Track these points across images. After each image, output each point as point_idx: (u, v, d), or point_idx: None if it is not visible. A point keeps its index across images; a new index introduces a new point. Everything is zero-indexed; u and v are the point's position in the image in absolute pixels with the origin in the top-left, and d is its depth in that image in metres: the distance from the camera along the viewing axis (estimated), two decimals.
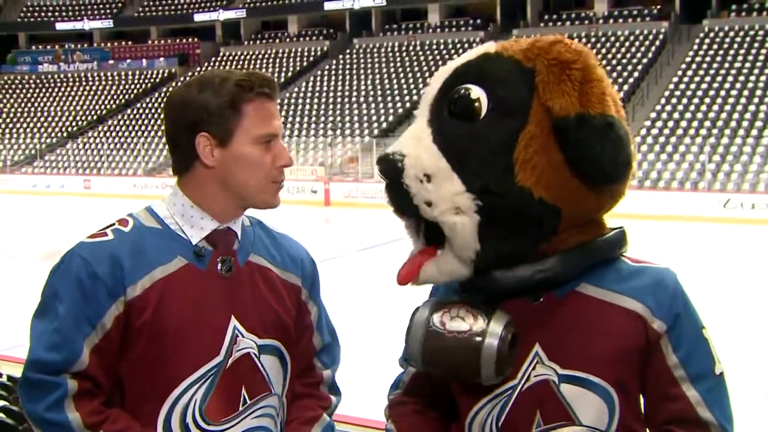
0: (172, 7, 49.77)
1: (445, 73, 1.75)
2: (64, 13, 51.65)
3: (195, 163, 1.88)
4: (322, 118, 37.09)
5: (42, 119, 44.59)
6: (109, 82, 46.74)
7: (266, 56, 44.52)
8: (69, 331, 1.77)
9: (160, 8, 50.17)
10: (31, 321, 1.83)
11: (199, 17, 47.80)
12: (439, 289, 1.86)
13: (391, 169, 1.69)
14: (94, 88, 46.66)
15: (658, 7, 37.30)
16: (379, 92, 37.77)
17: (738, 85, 30.19)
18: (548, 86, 1.64)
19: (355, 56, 41.57)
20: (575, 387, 1.68)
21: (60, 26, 50.88)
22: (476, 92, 1.67)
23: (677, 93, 30.36)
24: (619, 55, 34.51)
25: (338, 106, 37.76)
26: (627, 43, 35.32)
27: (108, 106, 44.32)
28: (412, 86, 37.33)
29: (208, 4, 48.38)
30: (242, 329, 1.89)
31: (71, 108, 45.08)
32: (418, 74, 38.00)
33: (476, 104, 1.66)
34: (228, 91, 1.86)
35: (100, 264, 1.80)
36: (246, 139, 1.87)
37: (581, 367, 1.68)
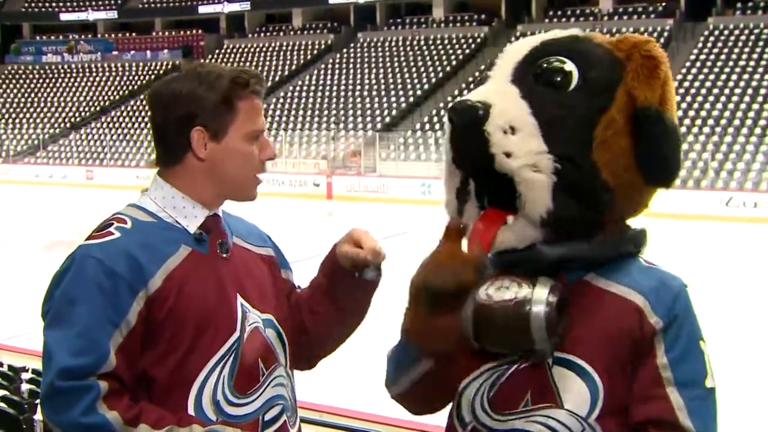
0: None
1: (530, 43, 1.82)
2: (68, 4, 51.62)
3: (187, 155, 1.94)
4: (326, 112, 37.09)
5: (45, 110, 44.61)
6: (113, 74, 46.72)
7: (270, 49, 44.49)
8: (94, 334, 1.77)
9: (164, 0, 50.15)
10: (45, 333, 1.81)
11: (203, 9, 47.75)
12: None
13: (471, 115, 1.69)
14: (97, 79, 46.65)
15: (663, 4, 37.23)
16: (383, 86, 37.75)
17: (742, 84, 30.15)
18: (638, 77, 1.74)
19: (359, 50, 41.54)
20: (565, 370, 1.69)
21: (64, 17, 50.85)
22: (569, 66, 1.74)
23: (681, 91, 30.30)
24: None
25: (341, 99, 37.74)
26: None
27: (111, 98, 44.32)
28: (415, 81, 37.30)
29: None
30: (248, 305, 1.96)
31: (75, 99, 45.09)
32: (422, 69, 37.98)
33: (567, 76, 1.74)
34: (223, 87, 1.92)
35: (117, 262, 1.82)
36: (238, 134, 1.93)
37: (575, 352, 1.69)
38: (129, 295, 1.81)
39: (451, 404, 1.84)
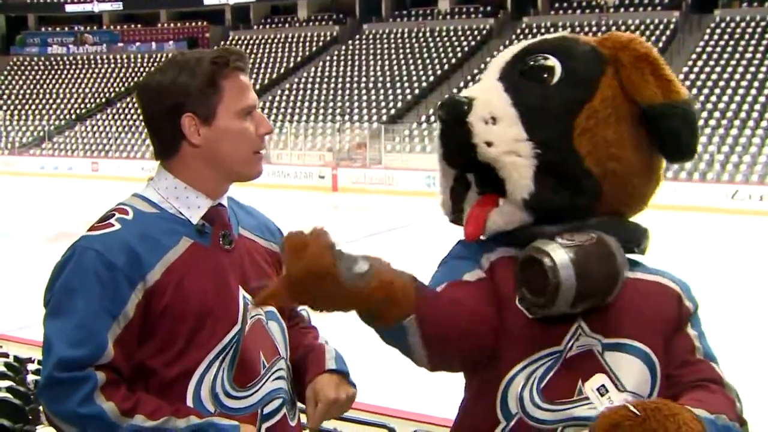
0: None
1: (519, 46, 1.92)
2: None
3: (182, 144, 1.94)
4: (331, 104, 37.06)
5: (51, 101, 44.64)
6: (118, 65, 46.73)
7: (275, 41, 44.44)
8: (92, 325, 1.78)
9: None
10: (45, 323, 1.83)
11: (208, 0, 47.69)
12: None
13: (456, 110, 1.79)
14: (102, 70, 46.66)
15: None
16: (388, 78, 37.70)
17: (748, 76, 30.06)
18: (633, 80, 1.82)
19: (364, 42, 41.48)
20: (619, 353, 1.77)
21: (69, 8, 50.82)
22: (552, 61, 1.84)
23: (687, 83, 30.19)
24: None
25: (347, 91, 37.71)
26: (637, 33, 34.83)
27: (117, 89, 44.33)
28: (421, 73, 37.25)
29: None
30: (250, 298, 1.95)
31: (80, 90, 45.11)
32: (428, 61, 37.92)
33: (550, 71, 1.83)
34: (205, 70, 1.92)
35: (116, 254, 1.83)
36: (229, 113, 1.93)
37: (624, 334, 1.78)
38: (127, 288, 1.81)
39: (482, 396, 1.82)
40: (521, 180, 1.75)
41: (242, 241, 2.01)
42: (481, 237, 1.83)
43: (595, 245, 1.69)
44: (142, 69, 45.59)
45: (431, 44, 39.18)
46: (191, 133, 1.92)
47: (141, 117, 2.05)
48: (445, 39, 39.19)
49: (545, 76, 1.82)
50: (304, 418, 2.04)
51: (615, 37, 1.88)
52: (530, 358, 1.76)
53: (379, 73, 38.29)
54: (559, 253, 1.66)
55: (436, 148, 1.88)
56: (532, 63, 1.85)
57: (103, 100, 43.56)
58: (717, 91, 29.69)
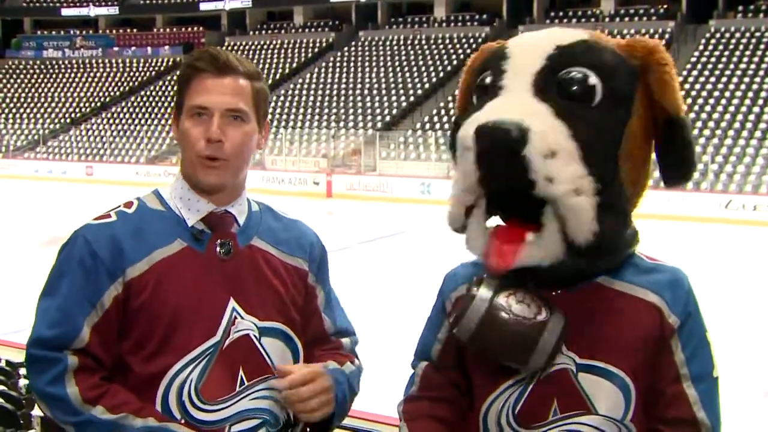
0: None
1: (543, 50, 1.75)
2: None
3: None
4: (326, 110, 37.06)
5: (46, 105, 44.55)
6: (114, 70, 46.67)
7: (271, 47, 44.46)
8: (70, 309, 1.82)
9: None
10: (38, 299, 1.88)
11: (204, 6, 47.71)
12: (456, 276, 1.91)
13: (506, 140, 1.61)
14: (98, 74, 46.60)
15: (665, 6, 37.21)
16: (383, 85, 37.72)
17: (743, 86, 30.13)
18: (660, 86, 1.73)
19: (360, 48, 41.51)
20: (593, 376, 1.72)
21: (65, 12, 50.80)
22: (593, 79, 1.69)
23: (681, 93, 30.10)
24: None
25: (342, 98, 37.71)
26: None
27: (112, 94, 44.27)
28: (416, 80, 37.27)
29: None
30: (241, 311, 1.91)
31: (75, 94, 45.03)
32: (423, 68, 37.94)
33: (592, 90, 1.69)
34: (185, 66, 1.95)
35: (101, 245, 1.86)
36: (186, 112, 1.92)
37: (599, 357, 1.72)
38: (107, 279, 1.84)
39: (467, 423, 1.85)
40: (586, 221, 1.64)
41: (251, 251, 1.96)
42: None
43: (528, 326, 1.68)
44: (137, 74, 45.55)
45: (427, 51, 39.22)
46: (174, 126, 1.97)
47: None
48: (441, 46, 39.24)
49: (587, 95, 1.69)
50: None
51: (642, 44, 1.76)
52: (505, 385, 1.76)
53: (374, 80, 38.31)
54: (482, 293, 1.70)
55: (464, 171, 1.70)
56: (572, 80, 1.70)
57: (98, 104, 43.49)
58: (711, 101, 29.74)
